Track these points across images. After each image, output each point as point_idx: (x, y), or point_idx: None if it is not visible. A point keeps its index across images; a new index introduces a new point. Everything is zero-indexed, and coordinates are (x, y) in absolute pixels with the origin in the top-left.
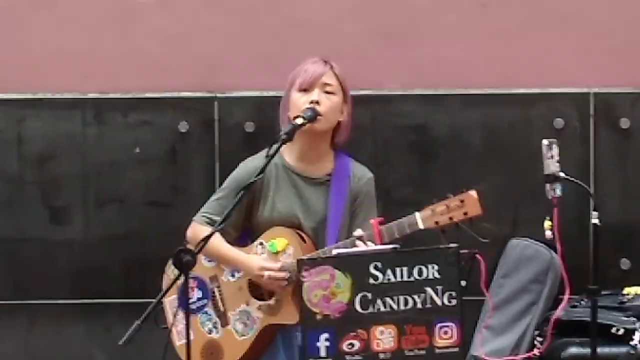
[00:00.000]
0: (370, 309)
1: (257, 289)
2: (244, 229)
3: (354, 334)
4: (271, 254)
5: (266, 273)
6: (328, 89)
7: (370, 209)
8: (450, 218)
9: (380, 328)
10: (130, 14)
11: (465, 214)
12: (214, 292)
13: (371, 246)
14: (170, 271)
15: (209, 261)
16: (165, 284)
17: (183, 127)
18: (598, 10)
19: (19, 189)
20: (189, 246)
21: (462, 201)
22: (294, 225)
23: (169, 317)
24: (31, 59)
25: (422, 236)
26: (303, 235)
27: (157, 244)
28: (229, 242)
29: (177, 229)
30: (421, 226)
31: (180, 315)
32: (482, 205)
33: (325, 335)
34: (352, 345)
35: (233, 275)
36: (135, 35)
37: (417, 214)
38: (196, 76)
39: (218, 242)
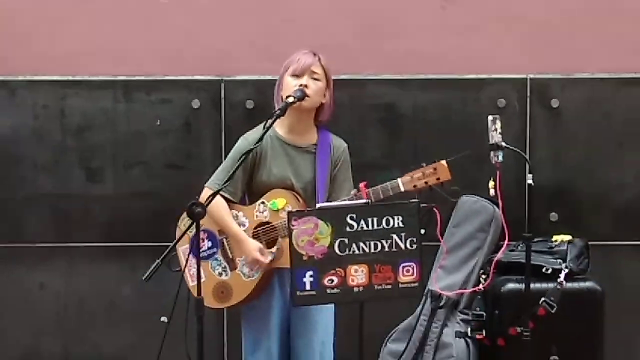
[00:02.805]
0: (347, 252)
1: (260, 239)
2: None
3: (333, 271)
4: (272, 211)
5: (258, 263)
6: (315, 76)
7: (347, 172)
8: (426, 182)
9: (355, 267)
10: (153, 11)
11: (438, 179)
12: (222, 242)
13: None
14: (182, 224)
15: None
16: (178, 234)
17: (195, 104)
18: (536, 9)
19: (61, 153)
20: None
21: (435, 169)
22: (287, 186)
23: (182, 263)
24: (71, 48)
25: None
26: (297, 196)
27: (173, 198)
28: (236, 202)
29: (189, 187)
30: (402, 189)
31: (193, 261)
32: (450, 172)
33: (310, 273)
34: (332, 280)
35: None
36: (157, 28)
37: (399, 180)
38: (207, 63)
39: (224, 213)
